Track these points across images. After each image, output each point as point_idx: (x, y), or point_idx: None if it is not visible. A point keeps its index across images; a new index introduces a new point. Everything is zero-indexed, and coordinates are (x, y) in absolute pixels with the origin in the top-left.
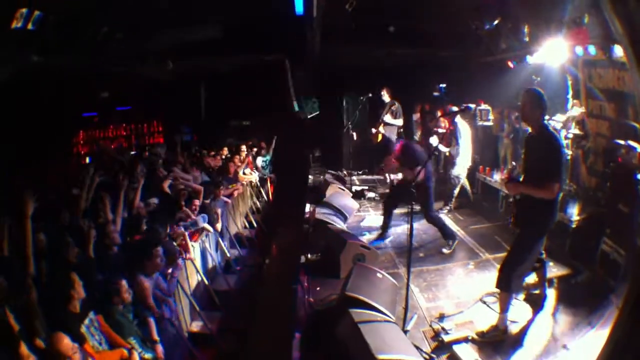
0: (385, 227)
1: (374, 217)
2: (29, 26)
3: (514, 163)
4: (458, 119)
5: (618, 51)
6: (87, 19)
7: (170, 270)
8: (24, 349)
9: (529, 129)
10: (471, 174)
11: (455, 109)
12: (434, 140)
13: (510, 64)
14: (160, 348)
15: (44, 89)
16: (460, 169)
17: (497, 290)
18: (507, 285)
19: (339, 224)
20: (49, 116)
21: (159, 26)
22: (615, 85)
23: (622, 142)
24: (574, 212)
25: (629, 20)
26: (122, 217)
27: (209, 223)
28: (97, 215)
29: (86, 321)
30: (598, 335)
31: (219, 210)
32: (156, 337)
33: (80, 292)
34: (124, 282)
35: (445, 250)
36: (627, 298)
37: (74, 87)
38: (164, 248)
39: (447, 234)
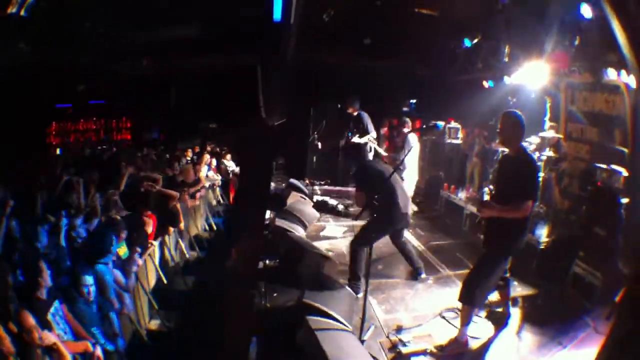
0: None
1: (334, 227)
2: (22, 12)
3: (490, 187)
4: (411, 135)
5: (611, 74)
6: (74, 11)
7: (128, 266)
8: (1, 331)
9: (506, 150)
10: (434, 190)
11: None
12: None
13: (486, 84)
14: (121, 342)
15: (26, 78)
16: (406, 185)
17: (458, 306)
18: (469, 298)
19: (299, 232)
20: (29, 106)
21: (137, 24)
22: (602, 109)
23: (603, 166)
24: (543, 234)
25: (631, 26)
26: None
27: (172, 224)
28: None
29: (52, 309)
30: (570, 355)
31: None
32: (117, 331)
33: (47, 280)
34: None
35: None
36: (617, 320)
37: (53, 77)
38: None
39: (354, 272)
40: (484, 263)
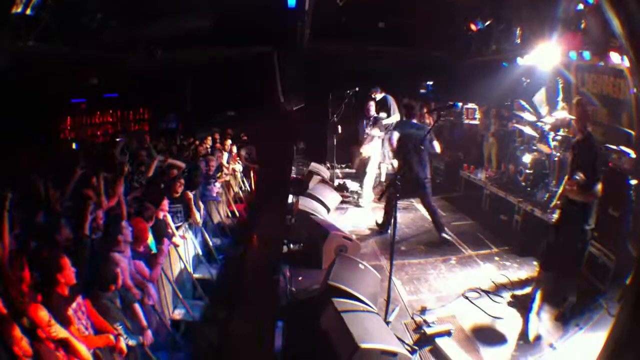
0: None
1: (356, 210)
2: (28, 11)
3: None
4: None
5: (615, 58)
6: (84, 5)
7: (155, 257)
8: (17, 331)
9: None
10: (454, 171)
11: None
12: (375, 132)
13: (501, 64)
14: (149, 334)
15: (37, 73)
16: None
17: (480, 286)
18: (573, 271)
19: (322, 215)
20: (39, 101)
21: (150, 15)
22: (610, 92)
23: (614, 147)
24: None
25: (629, 22)
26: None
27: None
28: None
29: (74, 305)
30: (586, 337)
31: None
32: (145, 323)
33: (70, 279)
34: (119, 270)
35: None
36: (627, 298)
37: (65, 72)
38: (155, 226)
39: (439, 225)
40: (578, 240)
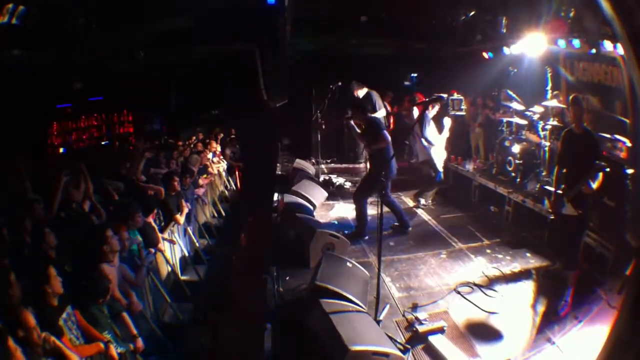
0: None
1: (342, 206)
2: (14, 21)
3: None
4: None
5: (607, 46)
6: (66, 11)
7: (138, 262)
8: (11, 343)
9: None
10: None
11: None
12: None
13: (485, 55)
14: (140, 341)
15: (22, 81)
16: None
17: (472, 280)
18: (576, 263)
19: (308, 213)
20: (25, 109)
21: (131, 17)
22: (601, 80)
23: (607, 135)
24: None
25: (628, 16)
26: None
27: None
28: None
29: (64, 315)
30: (586, 330)
31: (188, 204)
32: (135, 331)
33: (57, 288)
34: (111, 286)
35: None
36: (628, 295)
37: (51, 78)
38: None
39: (402, 220)
40: (582, 230)
